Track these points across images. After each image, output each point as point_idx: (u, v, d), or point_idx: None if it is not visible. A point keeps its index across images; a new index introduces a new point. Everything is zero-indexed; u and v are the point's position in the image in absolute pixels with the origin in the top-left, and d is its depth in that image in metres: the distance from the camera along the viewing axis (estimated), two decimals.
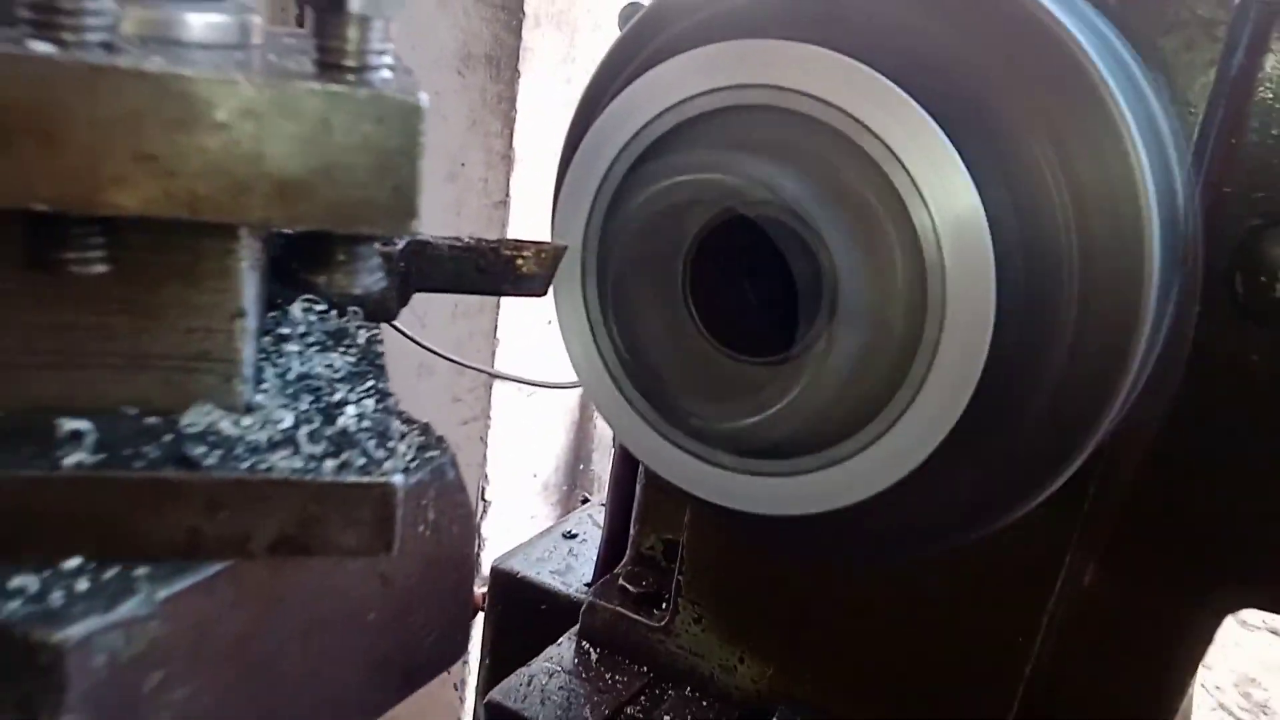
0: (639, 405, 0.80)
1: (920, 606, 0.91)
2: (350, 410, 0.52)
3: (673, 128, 0.74)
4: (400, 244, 0.66)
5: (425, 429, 0.60)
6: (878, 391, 0.70)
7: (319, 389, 0.54)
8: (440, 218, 2.63)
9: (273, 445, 0.48)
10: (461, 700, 2.91)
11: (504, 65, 2.49)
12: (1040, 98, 0.67)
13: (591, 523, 1.48)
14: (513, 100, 2.49)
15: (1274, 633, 4.48)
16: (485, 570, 2.72)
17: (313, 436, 0.49)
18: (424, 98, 0.43)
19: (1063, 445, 0.71)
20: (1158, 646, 0.89)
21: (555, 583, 1.30)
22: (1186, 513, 0.84)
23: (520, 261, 0.68)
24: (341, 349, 0.60)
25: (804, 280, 0.68)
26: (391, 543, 0.48)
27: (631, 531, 1.21)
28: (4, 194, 0.40)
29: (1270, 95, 0.77)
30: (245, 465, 0.47)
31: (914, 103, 0.66)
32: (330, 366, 0.57)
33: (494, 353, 2.69)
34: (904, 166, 0.66)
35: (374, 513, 0.47)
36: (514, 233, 2.64)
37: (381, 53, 0.46)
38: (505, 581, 1.35)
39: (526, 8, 2.46)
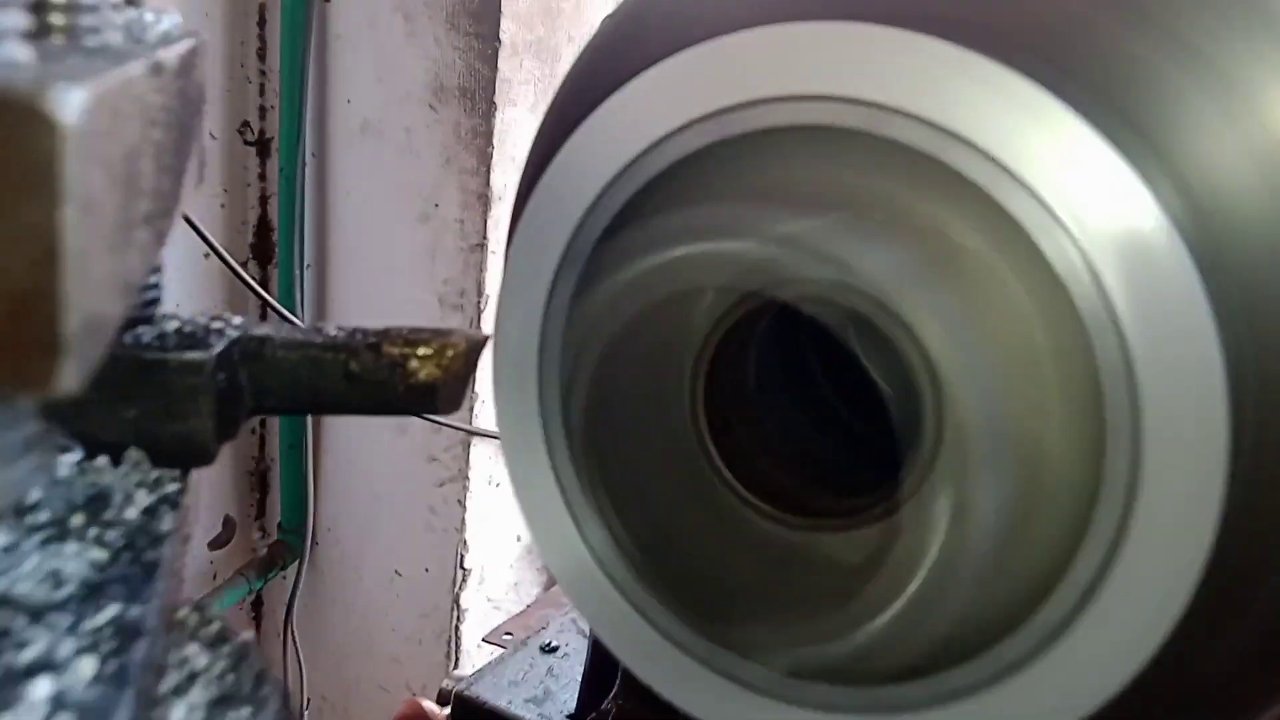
0: (655, 615, 0.53)
1: None
2: (42, 688, 0.28)
3: (665, 170, 0.50)
4: (219, 344, 0.42)
5: (245, 674, 0.36)
6: (1030, 573, 0.44)
7: (3, 634, 0.30)
8: (414, 262, 2.48)
9: None
10: None
11: (479, 98, 2.35)
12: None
13: (575, 629, 1.27)
14: (489, 135, 2.34)
15: None
16: (461, 658, 2.49)
17: None
18: (74, 102, 0.20)
19: None
20: None
21: (531, 715, 1.09)
22: None
23: (415, 364, 0.44)
24: (92, 537, 0.36)
25: (892, 393, 0.44)
26: None
27: None
28: None
29: None
30: None
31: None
32: (53, 577, 0.33)
33: (472, 409, 2.50)
34: (1025, 185, 0.43)
35: None
36: (494, 278, 2.46)
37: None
38: (470, 713, 1.12)
39: (503, 36, 2.32)
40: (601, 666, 1.04)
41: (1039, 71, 0.43)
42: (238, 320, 0.45)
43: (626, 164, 0.50)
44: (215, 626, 0.40)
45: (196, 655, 0.38)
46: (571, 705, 1.08)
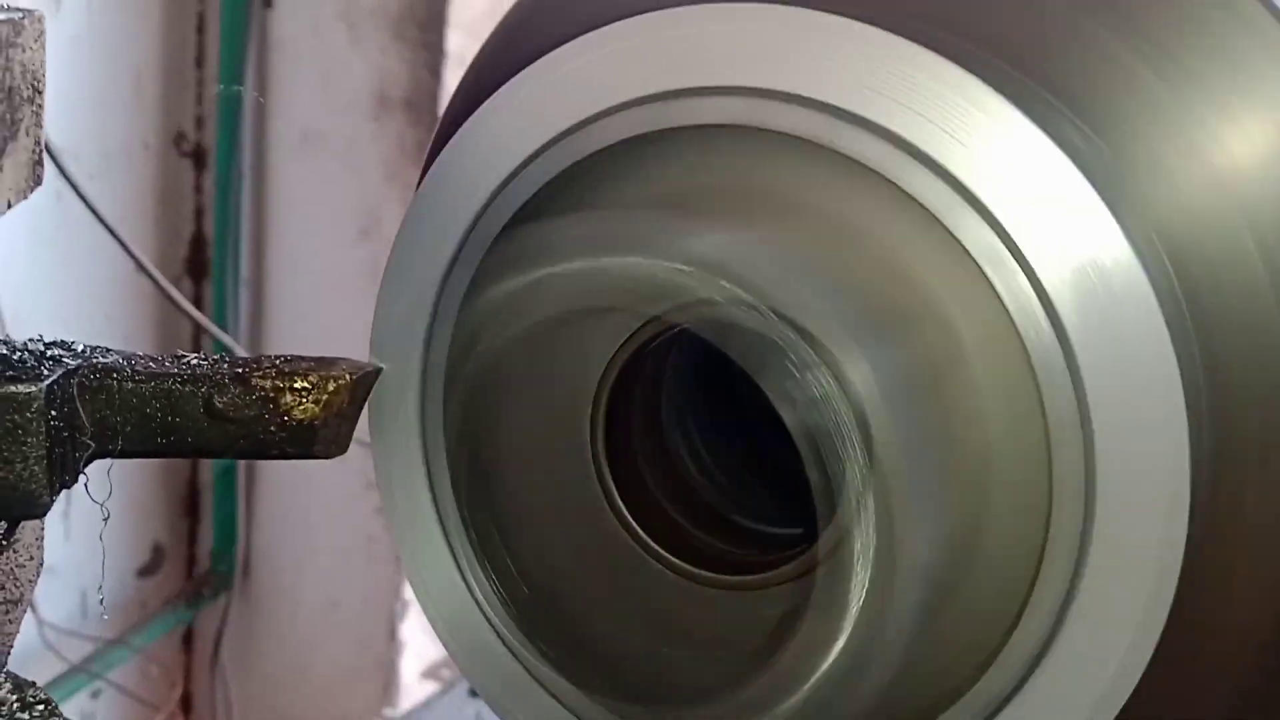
0: (547, 680, 0.46)
1: None
2: None
3: (572, 166, 0.44)
4: (53, 374, 0.35)
5: None
6: (973, 637, 0.40)
7: None
8: (355, 280, 2.41)
9: None
10: None
11: (424, 109, 2.30)
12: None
13: None
14: None
15: None
16: (400, 693, 2.40)
17: None
18: None
19: None
20: None
21: None
22: None
23: (290, 400, 0.38)
24: None
25: (804, 440, 0.38)
26: None
27: None
28: None
29: None
30: None
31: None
32: None
33: None
34: (985, 214, 0.38)
35: None
36: None
37: None
38: None
39: (449, 46, 2.27)
40: None
41: (998, 77, 0.38)
42: (80, 346, 0.38)
43: (524, 160, 0.44)
44: (38, 711, 0.34)
45: None
46: None
